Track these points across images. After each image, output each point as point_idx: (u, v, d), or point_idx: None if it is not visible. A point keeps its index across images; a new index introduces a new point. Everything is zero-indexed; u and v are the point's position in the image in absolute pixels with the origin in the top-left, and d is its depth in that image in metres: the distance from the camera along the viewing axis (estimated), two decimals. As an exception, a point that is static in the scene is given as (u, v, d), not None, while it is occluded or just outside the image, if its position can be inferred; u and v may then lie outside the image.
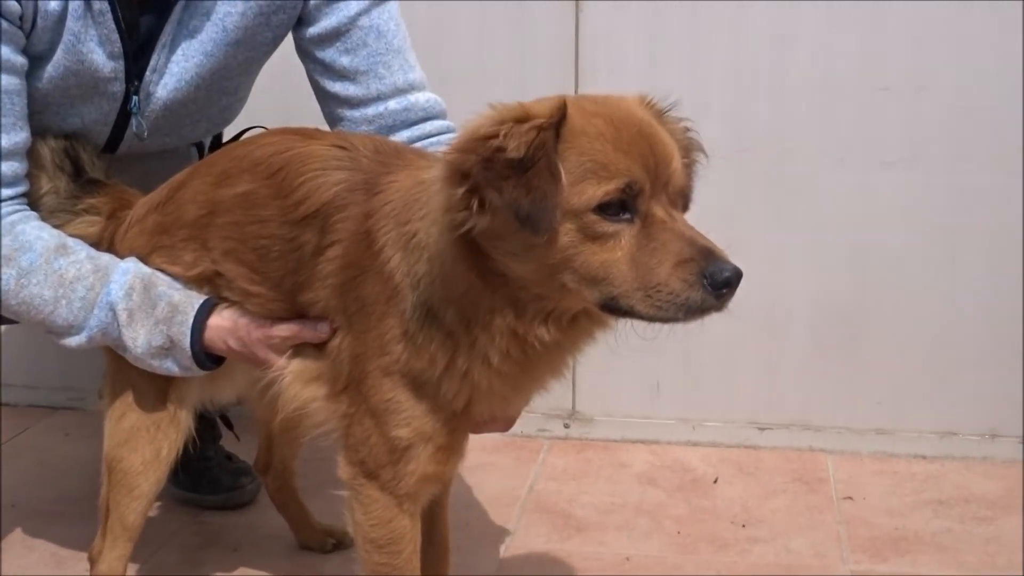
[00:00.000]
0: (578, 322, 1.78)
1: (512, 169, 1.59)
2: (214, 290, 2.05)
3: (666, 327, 1.71)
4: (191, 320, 2.00)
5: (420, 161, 1.90)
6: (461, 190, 1.63)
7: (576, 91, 3.04)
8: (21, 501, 2.86)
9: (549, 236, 1.61)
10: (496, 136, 1.61)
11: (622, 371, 3.20)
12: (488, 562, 2.56)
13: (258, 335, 1.97)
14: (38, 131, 2.17)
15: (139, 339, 2.01)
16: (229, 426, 2.82)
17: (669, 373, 3.19)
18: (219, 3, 2.19)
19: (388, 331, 1.82)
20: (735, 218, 3.06)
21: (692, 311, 1.64)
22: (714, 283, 1.61)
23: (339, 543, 2.60)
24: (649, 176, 1.63)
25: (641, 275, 1.63)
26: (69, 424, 3.31)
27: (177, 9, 2.16)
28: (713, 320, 3.05)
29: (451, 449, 1.89)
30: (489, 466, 3.04)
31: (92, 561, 2.19)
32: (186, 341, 2.00)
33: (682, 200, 1.72)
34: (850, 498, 2.86)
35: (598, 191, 1.61)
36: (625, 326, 2.94)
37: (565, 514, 2.80)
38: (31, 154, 2.15)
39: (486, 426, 1.96)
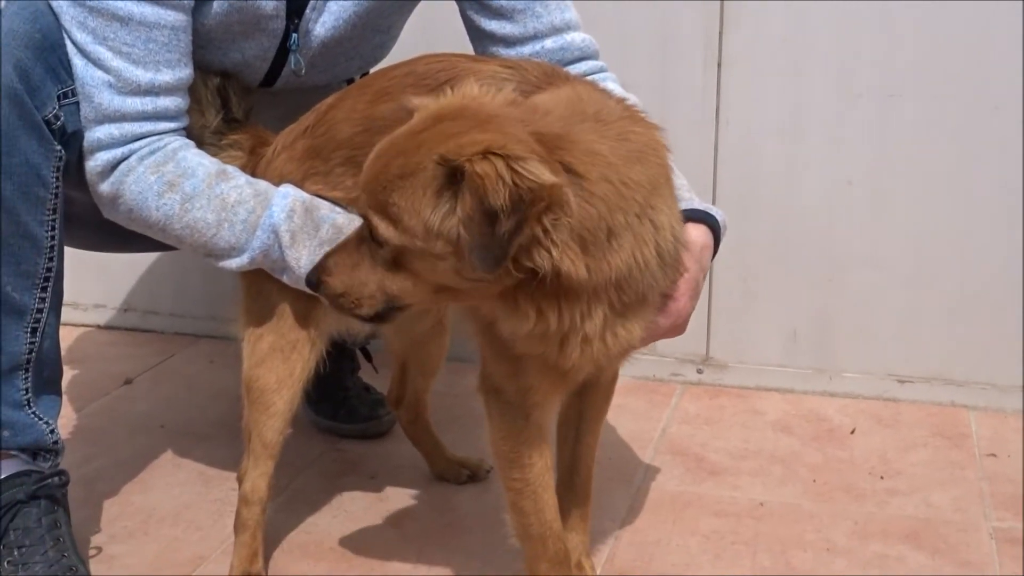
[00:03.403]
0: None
1: None
2: None
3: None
4: None
5: (584, 83, 1.94)
6: None
7: (720, 36, 3.00)
8: (170, 423, 2.97)
9: None
10: None
11: (758, 318, 3.16)
12: (621, 501, 2.57)
13: None
14: (200, 66, 2.23)
15: (302, 259, 2.05)
16: (368, 359, 2.87)
17: (807, 322, 3.14)
18: None
19: None
20: (882, 164, 2.99)
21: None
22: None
23: (473, 475, 2.64)
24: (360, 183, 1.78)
25: None
26: (213, 352, 3.42)
27: None
28: (854, 269, 3.02)
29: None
30: (622, 408, 3.03)
31: (240, 480, 2.27)
32: None
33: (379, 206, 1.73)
34: (993, 455, 2.78)
35: None
36: (761, 271, 2.91)
37: (698, 458, 2.79)
38: (191, 91, 2.21)
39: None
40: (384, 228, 1.71)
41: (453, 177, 1.64)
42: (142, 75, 2.08)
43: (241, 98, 2.32)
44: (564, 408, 2.20)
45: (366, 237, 1.77)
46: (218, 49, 2.25)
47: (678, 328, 1.98)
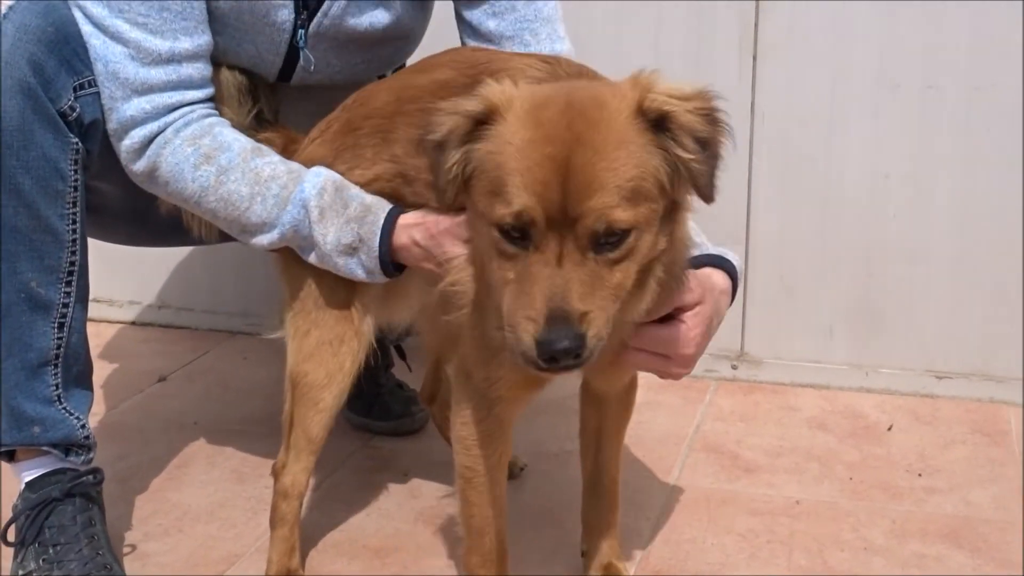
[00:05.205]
0: None
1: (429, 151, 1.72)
2: (395, 197, 2.09)
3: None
4: (382, 220, 2.05)
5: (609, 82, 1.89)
6: None
7: (756, 27, 2.97)
8: (204, 420, 2.98)
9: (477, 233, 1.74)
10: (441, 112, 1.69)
11: (794, 313, 3.13)
12: (655, 499, 2.55)
13: (447, 224, 1.97)
14: (220, 59, 2.24)
15: (328, 236, 2.06)
16: (402, 356, 2.87)
17: (843, 316, 3.11)
18: None
19: None
20: (921, 157, 2.95)
21: (528, 364, 1.59)
22: (542, 353, 1.56)
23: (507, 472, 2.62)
24: (545, 209, 1.56)
25: (509, 305, 1.60)
26: (247, 348, 3.43)
27: None
28: (892, 263, 2.98)
29: None
30: (655, 404, 3.02)
31: (276, 475, 2.26)
32: (375, 240, 2.05)
33: (605, 237, 1.58)
34: (1034, 452, 2.75)
35: (495, 213, 1.60)
36: (797, 265, 2.88)
37: (732, 455, 2.76)
38: (216, 83, 2.21)
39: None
40: (625, 215, 1.57)
41: (656, 124, 1.62)
42: (161, 44, 2.09)
43: (270, 99, 2.34)
44: (584, 419, 2.19)
45: (577, 254, 1.57)
46: (232, 38, 2.25)
47: (686, 360, 1.91)
